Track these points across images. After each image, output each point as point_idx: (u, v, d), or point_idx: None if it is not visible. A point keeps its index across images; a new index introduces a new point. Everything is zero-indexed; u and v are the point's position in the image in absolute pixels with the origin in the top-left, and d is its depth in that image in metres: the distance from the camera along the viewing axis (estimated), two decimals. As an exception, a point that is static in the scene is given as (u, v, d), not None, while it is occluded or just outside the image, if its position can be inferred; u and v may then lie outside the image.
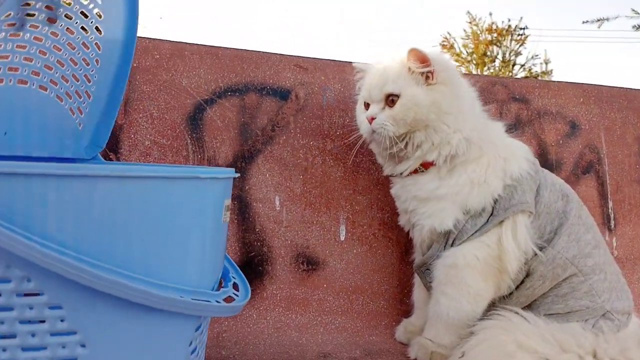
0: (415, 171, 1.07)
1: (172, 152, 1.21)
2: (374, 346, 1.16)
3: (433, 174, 1.05)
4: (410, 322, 1.19)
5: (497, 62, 13.45)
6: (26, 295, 0.61)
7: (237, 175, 0.83)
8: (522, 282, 1.04)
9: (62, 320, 0.63)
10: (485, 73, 13.37)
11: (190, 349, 0.74)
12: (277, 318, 1.20)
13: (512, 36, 13.13)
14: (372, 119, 1.05)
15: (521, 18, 13.00)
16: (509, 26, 13.07)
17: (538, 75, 13.42)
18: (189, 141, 1.22)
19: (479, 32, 13.23)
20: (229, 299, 0.79)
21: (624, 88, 1.62)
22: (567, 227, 1.04)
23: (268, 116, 1.28)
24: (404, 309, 1.28)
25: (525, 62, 13.41)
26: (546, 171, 1.13)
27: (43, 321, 0.62)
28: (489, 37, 13.21)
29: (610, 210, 1.51)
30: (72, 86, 0.95)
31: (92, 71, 0.96)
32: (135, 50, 1.21)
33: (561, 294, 1.03)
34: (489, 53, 13.28)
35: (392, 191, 1.14)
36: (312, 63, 1.35)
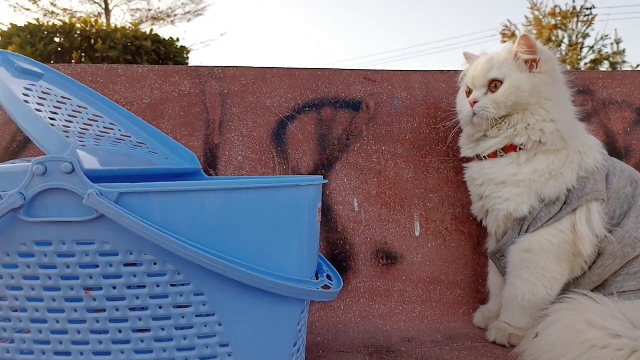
0: (495, 155, 1.15)
1: (261, 165, 1.37)
2: (454, 331, 1.26)
3: (512, 159, 1.12)
4: (487, 309, 1.28)
5: (564, 47, 12.90)
6: (177, 285, 0.77)
7: (326, 181, 0.96)
8: (594, 262, 1.11)
9: (203, 305, 0.77)
10: (551, 59, 12.86)
11: (298, 328, 0.88)
12: (363, 308, 1.33)
13: (578, 18, 12.55)
14: (475, 102, 1.13)
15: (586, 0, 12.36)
16: (574, 7, 12.51)
17: (609, 57, 12.72)
18: (275, 154, 1.39)
19: (541, 17, 12.76)
20: (325, 287, 0.92)
21: (694, 71, 1.61)
22: (635, 209, 1.10)
23: (343, 126, 1.42)
24: (480, 297, 1.37)
25: (595, 44, 12.77)
26: (615, 160, 1.18)
27: (189, 306, 0.77)
28: (553, 22, 12.70)
29: (685, 195, 1.51)
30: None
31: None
32: (225, 77, 1.40)
33: (632, 272, 1.08)
34: (553, 38, 12.76)
35: (467, 175, 1.22)
36: (379, 75, 1.47)
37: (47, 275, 0.75)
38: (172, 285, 0.76)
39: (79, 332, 0.77)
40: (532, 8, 12.81)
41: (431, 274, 1.38)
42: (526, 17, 13.03)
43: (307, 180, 0.88)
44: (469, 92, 1.19)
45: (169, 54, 4.90)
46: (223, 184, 0.80)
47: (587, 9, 12.47)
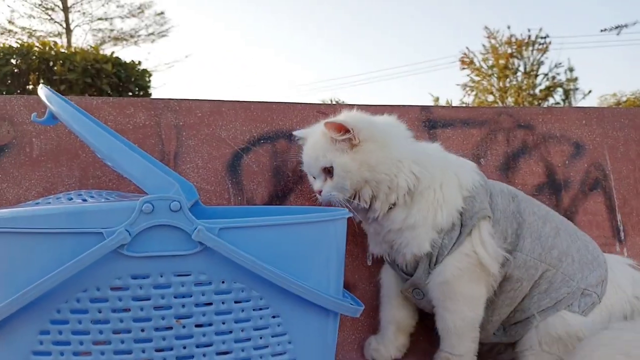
0: None
1: (216, 196, 1.39)
2: None
3: (400, 207, 1.14)
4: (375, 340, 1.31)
5: (519, 74, 13.46)
6: (259, 309, 0.85)
7: (352, 215, 1.01)
8: (503, 286, 1.16)
9: (279, 325, 0.86)
10: (507, 85, 13.40)
11: (337, 336, 0.98)
12: (316, 338, 1.34)
13: (533, 46, 13.14)
14: (320, 192, 1.14)
15: (540, 29, 12.95)
16: (529, 37, 13.11)
17: (562, 84, 13.34)
18: (230, 185, 1.41)
19: (497, 45, 13.30)
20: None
21: (625, 108, 1.73)
22: (527, 227, 1.16)
23: (297, 158, 1.45)
24: (430, 325, 1.41)
25: (549, 72, 13.37)
26: (492, 180, 1.25)
27: (267, 327, 0.86)
28: (509, 50, 13.26)
29: (619, 223, 1.62)
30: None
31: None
32: (181, 110, 1.42)
33: (543, 290, 1.14)
34: (509, 66, 13.31)
35: (370, 229, 1.22)
36: (331, 108, 1.52)
37: (139, 307, 0.80)
38: (254, 310, 0.85)
39: (164, 360, 0.81)
40: (489, 37, 13.37)
41: (383, 302, 1.42)
42: (483, 45, 13.58)
43: (344, 213, 0.97)
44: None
45: (129, 77, 4.87)
46: (302, 218, 0.89)
47: (542, 37, 13.09)
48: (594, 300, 1.13)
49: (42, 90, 0.91)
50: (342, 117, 1.14)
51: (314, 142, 1.17)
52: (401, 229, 1.14)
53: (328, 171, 1.13)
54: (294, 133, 1.31)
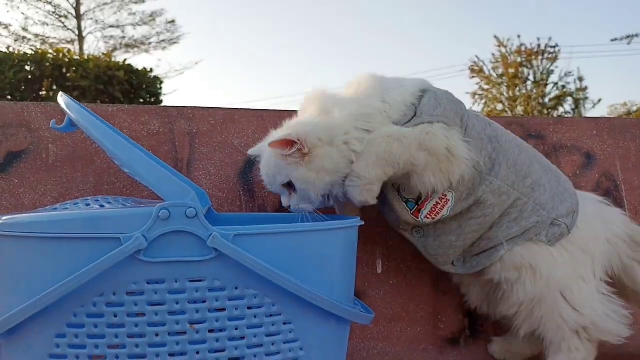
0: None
1: (228, 203, 1.40)
2: (413, 368, 1.30)
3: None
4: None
5: (529, 83, 13.42)
6: (271, 315, 0.86)
7: (363, 223, 1.02)
8: (473, 211, 1.13)
9: (290, 332, 0.87)
10: (516, 94, 13.38)
11: (347, 344, 0.98)
12: (325, 345, 1.35)
13: (543, 55, 13.11)
14: (288, 207, 1.10)
15: (550, 38, 12.92)
16: (539, 46, 13.08)
17: (572, 93, 13.28)
18: (242, 192, 1.42)
19: (507, 54, 13.29)
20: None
21: (636, 119, 1.73)
22: (503, 154, 1.14)
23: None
24: (440, 334, 1.42)
25: (559, 81, 13.32)
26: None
27: (279, 334, 0.87)
28: (519, 59, 13.24)
29: (630, 234, 1.61)
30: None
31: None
32: (194, 117, 1.44)
33: (513, 219, 1.14)
34: (519, 75, 13.28)
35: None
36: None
37: (154, 312, 0.81)
38: (267, 316, 0.86)
39: (177, 365, 0.82)
40: (499, 45, 13.36)
41: (392, 310, 1.42)
42: (493, 54, 13.57)
43: (355, 221, 0.99)
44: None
45: (141, 84, 4.92)
46: (315, 225, 0.93)
47: (552, 47, 13.06)
48: (563, 231, 1.13)
49: (62, 98, 0.93)
50: (285, 130, 1.07)
51: (267, 160, 1.11)
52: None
53: (289, 185, 1.07)
54: (249, 152, 1.25)
